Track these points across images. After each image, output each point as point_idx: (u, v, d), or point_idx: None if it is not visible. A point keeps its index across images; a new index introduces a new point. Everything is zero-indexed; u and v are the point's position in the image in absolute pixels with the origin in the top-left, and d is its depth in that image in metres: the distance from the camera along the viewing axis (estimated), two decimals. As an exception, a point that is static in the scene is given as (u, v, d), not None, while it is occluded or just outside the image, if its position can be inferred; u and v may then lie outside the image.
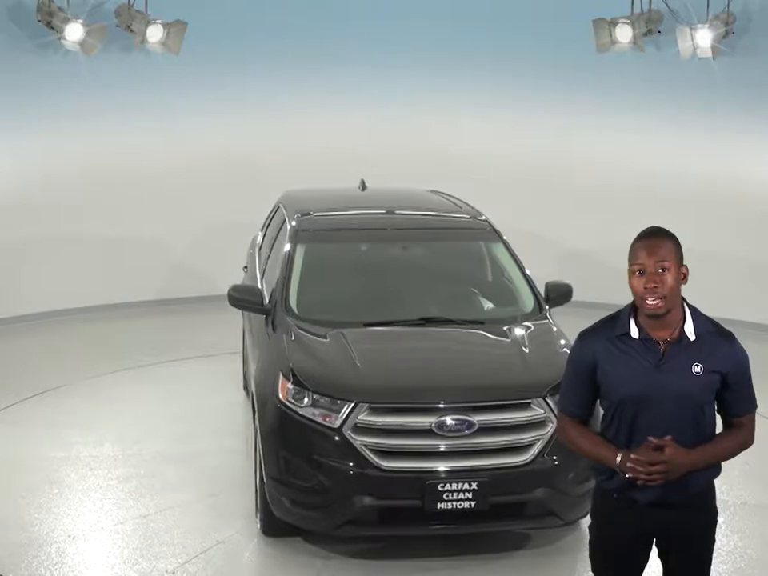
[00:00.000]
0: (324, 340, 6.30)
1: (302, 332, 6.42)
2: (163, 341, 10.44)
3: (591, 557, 3.99)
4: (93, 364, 9.51)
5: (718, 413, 3.82)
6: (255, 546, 6.16)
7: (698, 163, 11.23)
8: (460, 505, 5.56)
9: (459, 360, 6.29)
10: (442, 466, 5.62)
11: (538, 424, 5.75)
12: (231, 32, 11.43)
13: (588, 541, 4.00)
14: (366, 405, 5.66)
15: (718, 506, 3.94)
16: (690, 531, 3.81)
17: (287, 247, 7.11)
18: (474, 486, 5.55)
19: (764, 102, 10.80)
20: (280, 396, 5.87)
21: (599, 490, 3.93)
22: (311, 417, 5.72)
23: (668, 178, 11.36)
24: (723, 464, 3.89)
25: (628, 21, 10.64)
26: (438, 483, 5.55)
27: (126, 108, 11.22)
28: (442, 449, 5.64)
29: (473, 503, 5.57)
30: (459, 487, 5.54)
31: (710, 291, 10.03)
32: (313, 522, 5.80)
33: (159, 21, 10.56)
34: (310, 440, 5.71)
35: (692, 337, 3.71)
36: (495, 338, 6.49)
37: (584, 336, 3.86)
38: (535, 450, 5.70)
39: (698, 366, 3.68)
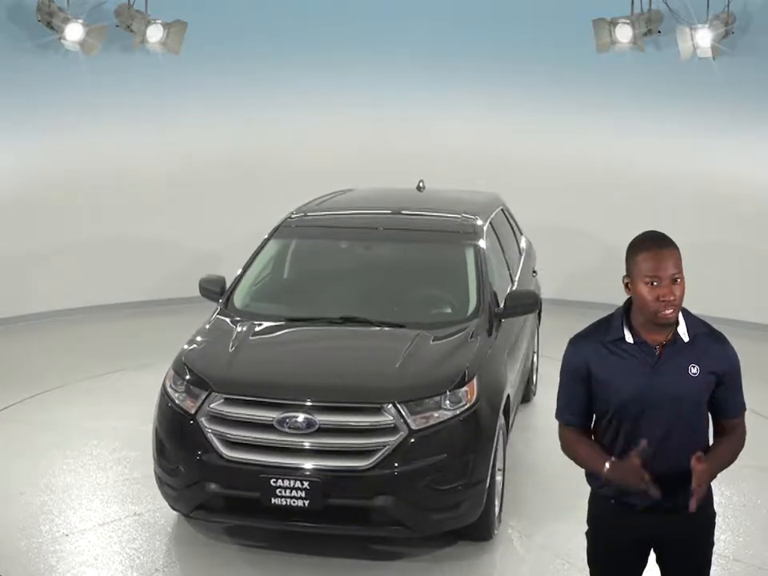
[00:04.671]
0: (231, 331, 6.43)
1: (221, 321, 6.63)
2: (165, 340, 10.38)
3: (590, 564, 3.94)
4: (94, 363, 9.50)
5: (711, 415, 3.77)
6: (166, 521, 6.31)
7: (698, 163, 11.22)
8: (294, 502, 5.57)
9: (327, 360, 6.26)
10: (275, 462, 5.65)
11: (387, 430, 5.62)
12: (231, 32, 11.43)
13: (586, 548, 3.94)
14: (219, 395, 5.78)
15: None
16: (688, 536, 3.77)
17: (261, 243, 7.35)
18: (306, 485, 5.56)
19: (764, 101, 10.80)
20: (165, 381, 6.12)
21: (595, 497, 3.88)
22: (178, 403, 5.91)
23: (667, 177, 11.35)
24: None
25: (628, 21, 10.64)
26: (271, 478, 5.58)
27: (125, 108, 11.21)
28: (279, 445, 5.67)
29: (306, 502, 5.57)
30: (291, 485, 5.56)
31: (709, 291, 10.07)
32: (174, 502, 6.00)
33: (159, 21, 10.57)
34: (174, 425, 5.93)
35: (686, 338, 3.67)
36: (391, 341, 6.35)
37: (575, 341, 3.80)
38: (379, 456, 5.58)
39: (694, 366, 3.64)
